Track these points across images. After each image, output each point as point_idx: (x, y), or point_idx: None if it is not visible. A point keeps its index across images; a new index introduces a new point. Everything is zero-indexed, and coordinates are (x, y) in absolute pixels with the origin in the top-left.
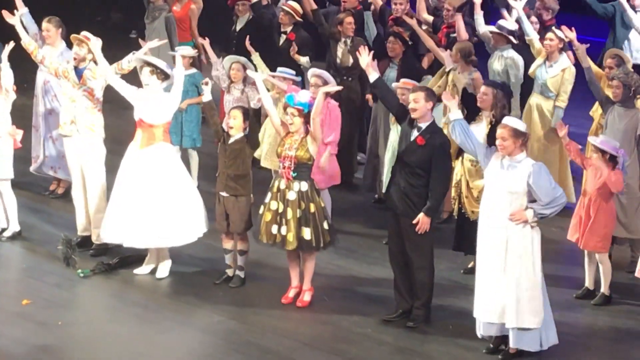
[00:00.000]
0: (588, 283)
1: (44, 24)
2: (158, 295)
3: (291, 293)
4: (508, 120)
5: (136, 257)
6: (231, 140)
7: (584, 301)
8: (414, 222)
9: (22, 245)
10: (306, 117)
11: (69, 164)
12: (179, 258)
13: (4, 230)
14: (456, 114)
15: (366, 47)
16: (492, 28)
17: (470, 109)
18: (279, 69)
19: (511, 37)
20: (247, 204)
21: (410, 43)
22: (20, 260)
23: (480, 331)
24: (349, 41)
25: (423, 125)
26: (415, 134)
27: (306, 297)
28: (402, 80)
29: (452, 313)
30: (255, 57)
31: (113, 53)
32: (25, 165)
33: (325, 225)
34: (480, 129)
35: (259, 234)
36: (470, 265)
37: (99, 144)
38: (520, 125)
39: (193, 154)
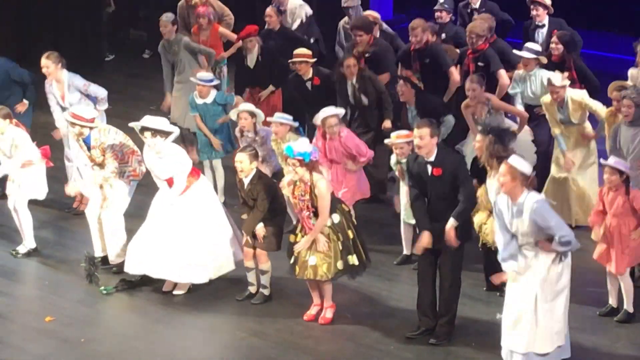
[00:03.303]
0: (612, 301)
1: (43, 60)
2: (180, 312)
3: (313, 310)
4: (512, 159)
5: None
6: (246, 186)
7: (607, 319)
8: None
9: (45, 262)
10: (308, 166)
11: (91, 192)
12: None
13: (34, 249)
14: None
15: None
16: (525, 53)
17: (477, 174)
18: (276, 114)
19: (541, 58)
20: (279, 225)
21: (419, 85)
22: (43, 277)
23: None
24: (354, 82)
25: (432, 157)
26: (429, 168)
27: (328, 314)
28: (395, 134)
29: (474, 330)
30: None
31: (129, 72)
32: (48, 183)
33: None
34: (493, 182)
35: (293, 269)
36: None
37: (130, 192)
38: (522, 166)
39: (219, 167)
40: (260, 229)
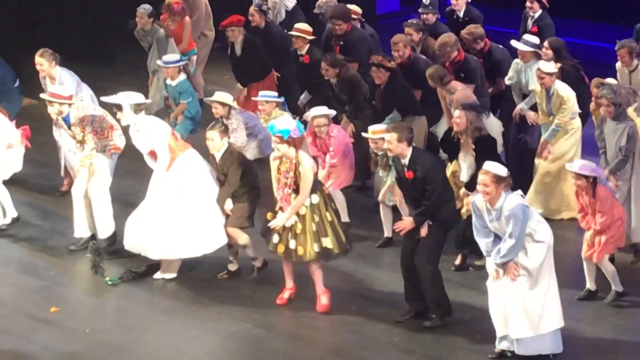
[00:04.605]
0: (589, 285)
1: (36, 58)
2: (185, 302)
3: (286, 294)
4: (489, 166)
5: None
6: (218, 161)
7: (594, 305)
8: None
9: (51, 253)
10: (288, 142)
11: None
12: (206, 265)
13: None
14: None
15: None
16: (520, 45)
17: (449, 151)
18: (260, 93)
19: (539, 51)
20: (252, 201)
21: (393, 68)
22: (48, 268)
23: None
24: (335, 82)
25: (405, 160)
26: (404, 169)
27: (324, 300)
28: (371, 129)
29: (478, 322)
30: None
31: (133, 62)
32: (45, 172)
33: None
34: (467, 164)
35: (276, 248)
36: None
37: (112, 166)
38: (502, 171)
39: None
40: (226, 205)
